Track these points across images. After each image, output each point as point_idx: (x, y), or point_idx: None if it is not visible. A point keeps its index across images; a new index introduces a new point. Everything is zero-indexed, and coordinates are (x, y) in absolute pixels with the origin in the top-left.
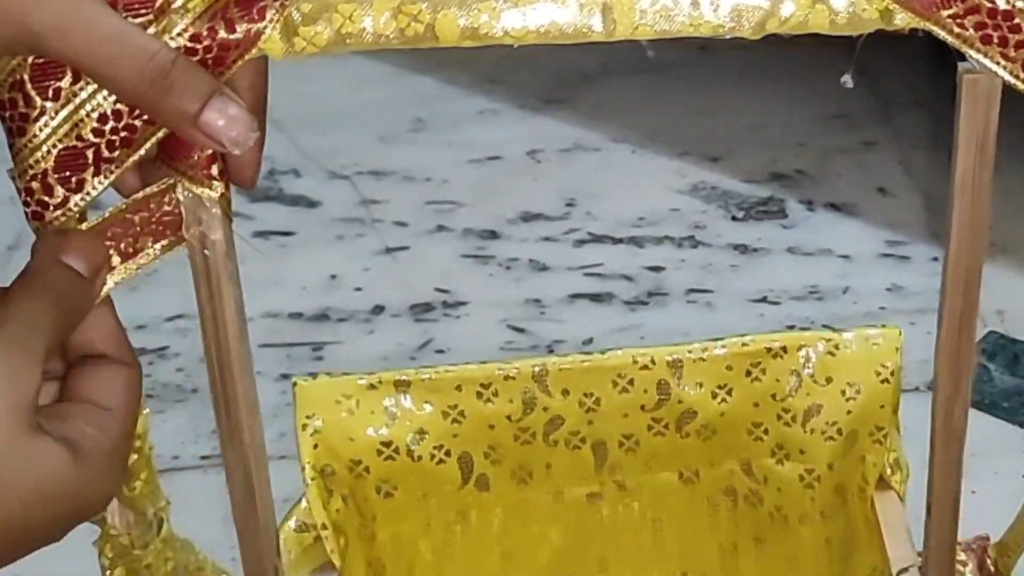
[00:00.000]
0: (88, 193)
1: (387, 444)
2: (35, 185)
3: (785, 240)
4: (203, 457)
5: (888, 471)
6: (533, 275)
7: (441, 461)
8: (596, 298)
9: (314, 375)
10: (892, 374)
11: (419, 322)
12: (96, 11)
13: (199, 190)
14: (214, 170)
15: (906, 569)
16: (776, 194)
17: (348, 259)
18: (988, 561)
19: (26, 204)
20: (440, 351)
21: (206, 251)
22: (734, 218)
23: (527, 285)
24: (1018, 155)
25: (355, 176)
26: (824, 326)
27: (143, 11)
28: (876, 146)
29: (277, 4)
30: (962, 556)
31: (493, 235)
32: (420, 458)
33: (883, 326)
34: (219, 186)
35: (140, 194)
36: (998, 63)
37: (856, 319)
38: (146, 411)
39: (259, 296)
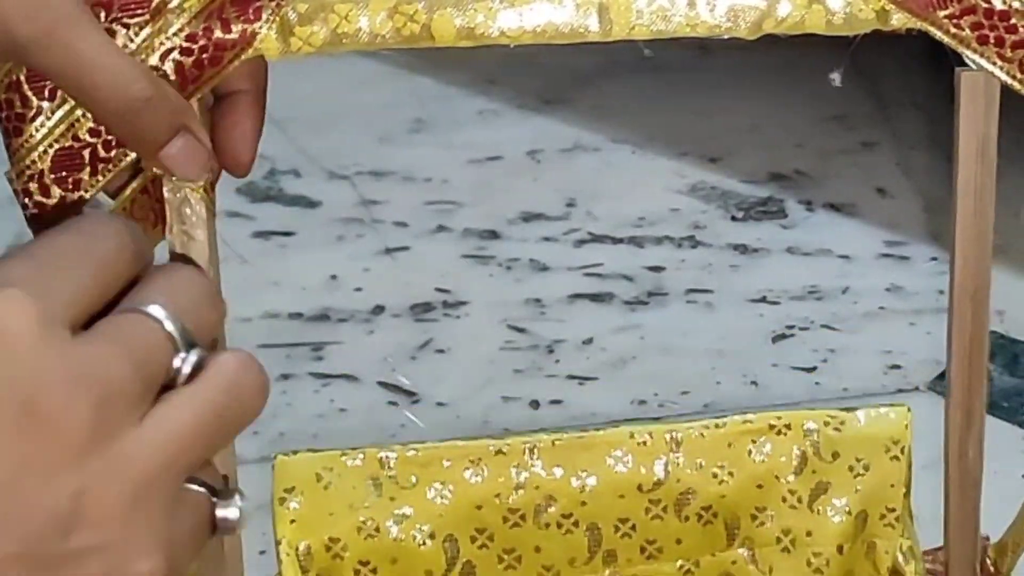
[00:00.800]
0: (84, 193)
1: (367, 522)
2: (32, 186)
3: (785, 240)
4: None
5: (901, 560)
6: (533, 275)
7: (424, 543)
8: (596, 298)
9: (296, 452)
10: (903, 451)
11: (419, 322)
12: (79, 30)
13: (185, 186)
14: None
15: None
16: (776, 194)
17: (348, 259)
18: (988, 561)
19: (24, 207)
20: (440, 351)
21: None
22: (734, 218)
23: (527, 285)
24: (1016, 157)
25: (355, 176)
26: (824, 326)
27: (139, 12)
28: (875, 147)
29: (273, 4)
30: None
31: (493, 235)
32: (402, 539)
33: (892, 404)
34: (204, 183)
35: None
36: (995, 63)
37: (855, 319)
38: None
39: (259, 296)
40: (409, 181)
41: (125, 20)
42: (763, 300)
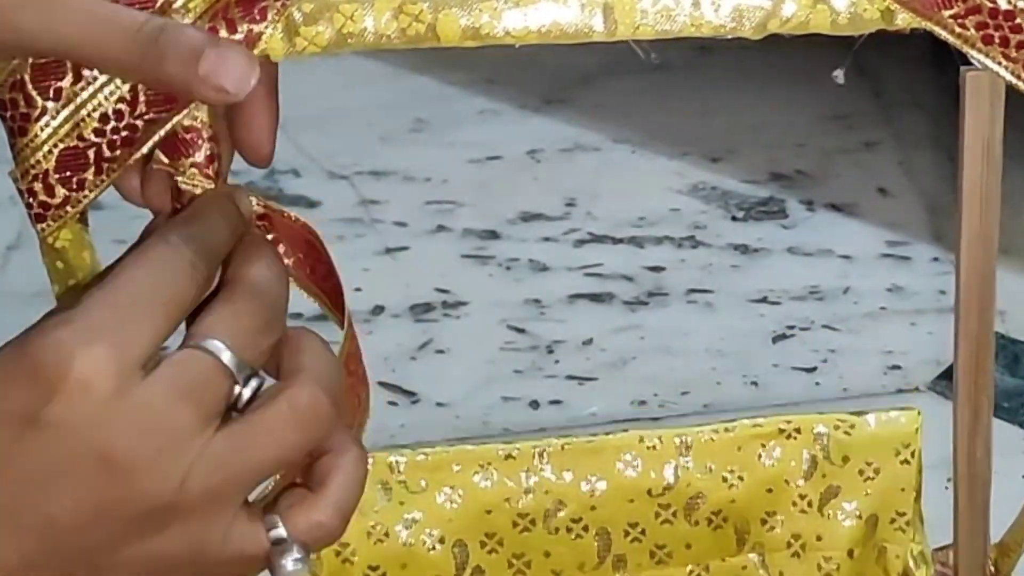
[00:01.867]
0: (89, 193)
1: (377, 527)
2: (37, 186)
3: (785, 240)
4: None
5: (912, 565)
6: (533, 275)
7: (433, 548)
8: (596, 298)
9: None
10: (912, 455)
11: (419, 322)
12: None
13: (197, 189)
14: (211, 170)
15: None
16: (776, 194)
17: (348, 259)
18: (988, 561)
19: (28, 206)
20: (440, 351)
21: None
22: (734, 218)
23: (527, 285)
24: (1019, 157)
25: (355, 176)
26: (824, 326)
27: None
28: (876, 146)
29: (278, 4)
30: None
31: (493, 235)
32: (412, 544)
33: (903, 408)
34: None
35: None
36: (999, 63)
37: (856, 319)
38: None
39: None
40: (409, 181)
41: None
42: (764, 300)
